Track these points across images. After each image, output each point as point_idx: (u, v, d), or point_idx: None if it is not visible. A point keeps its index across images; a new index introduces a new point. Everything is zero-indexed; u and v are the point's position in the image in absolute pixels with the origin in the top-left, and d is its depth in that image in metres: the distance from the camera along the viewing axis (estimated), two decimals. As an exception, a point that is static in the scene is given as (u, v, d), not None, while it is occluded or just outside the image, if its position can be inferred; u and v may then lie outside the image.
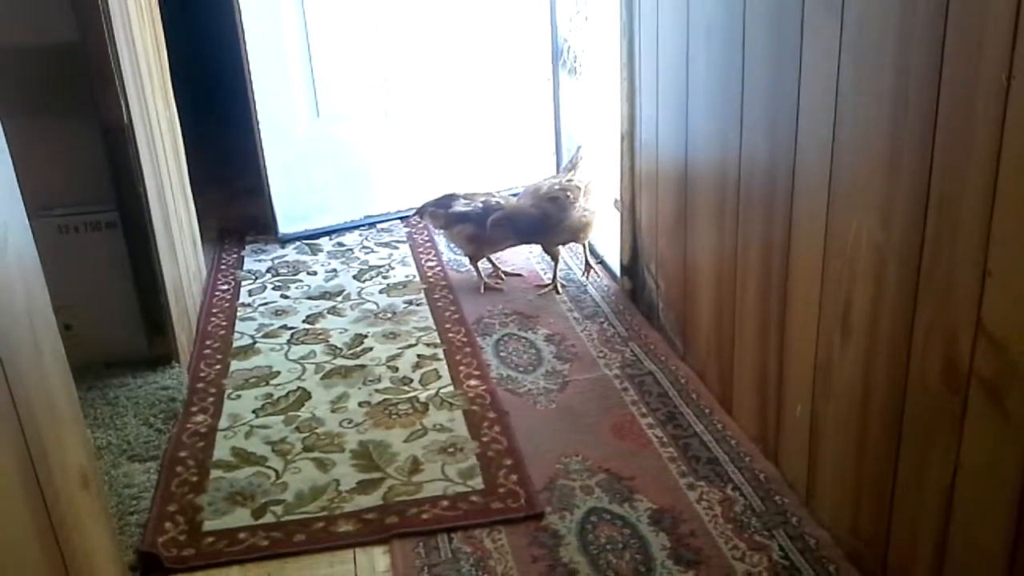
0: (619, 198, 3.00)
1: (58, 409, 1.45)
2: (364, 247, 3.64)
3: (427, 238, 3.68)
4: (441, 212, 3.22)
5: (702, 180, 2.30)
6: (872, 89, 1.52)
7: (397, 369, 2.62)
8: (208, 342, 2.85)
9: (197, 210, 3.32)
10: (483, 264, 3.24)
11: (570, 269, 3.28)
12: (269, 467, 2.16)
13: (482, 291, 3.14)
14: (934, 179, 1.38)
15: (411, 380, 2.55)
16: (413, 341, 2.79)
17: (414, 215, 3.47)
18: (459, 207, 3.17)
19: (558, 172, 3.76)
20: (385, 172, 3.81)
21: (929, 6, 1.34)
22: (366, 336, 2.84)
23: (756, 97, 1.94)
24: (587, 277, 3.20)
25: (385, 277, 3.32)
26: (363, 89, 3.69)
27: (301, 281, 3.33)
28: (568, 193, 3.03)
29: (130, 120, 2.36)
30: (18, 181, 1.40)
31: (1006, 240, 1.25)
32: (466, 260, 3.30)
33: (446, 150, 3.84)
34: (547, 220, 3.05)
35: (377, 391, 2.49)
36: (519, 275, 3.29)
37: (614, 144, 2.97)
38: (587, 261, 3.23)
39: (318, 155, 3.68)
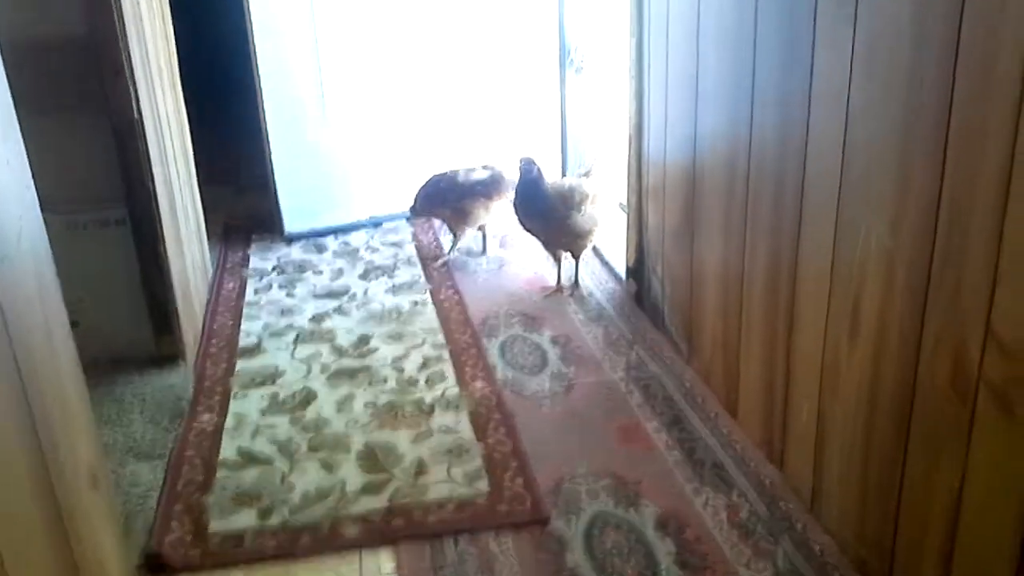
0: (625, 200, 3.00)
1: (70, 406, 1.46)
2: (370, 247, 3.65)
3: (432, 239, 3.69)
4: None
5: (711, 182, 2.30)
6: (884, 95, 1.52)
7: (403, 370, 2.62)
8: (214, 340, 2.85)
9: (203, 207, 3.32)
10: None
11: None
12: (275, 467, 2.16)
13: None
14: (946, 185, 1.38)
15: (417, 381, 2.55)
16: (419, 342, 2.79)
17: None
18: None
19: (564, 173, 3.77)
20: (392, 172, 3.81)
21: (943, 14, 1.34)
22: (372, 336, 2.85)
23: (767, 99, 1.94)
24: (571, 293, 3.11)
25: (391, 277, 3.33)
26: (372, 89, 3.69)
27: (307, 280, 3.33)
28: (576, 194, 3.03)
29: (140, 115, 2.37)
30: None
31: (1018, 246, 1.25)
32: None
33: (452, 150, 3.83)
34: (553, 214, 3.03)
35: (383, 392, 2.50)
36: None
37: (621, 146, 2.96)
38: (576, 277, 3.15)
39: (325, 154, 3.69)
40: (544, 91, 3.89)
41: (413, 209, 3.49)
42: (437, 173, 3.45)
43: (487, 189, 3.39)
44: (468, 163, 3.50)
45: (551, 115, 3.87)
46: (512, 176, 3.42)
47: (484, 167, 3.47)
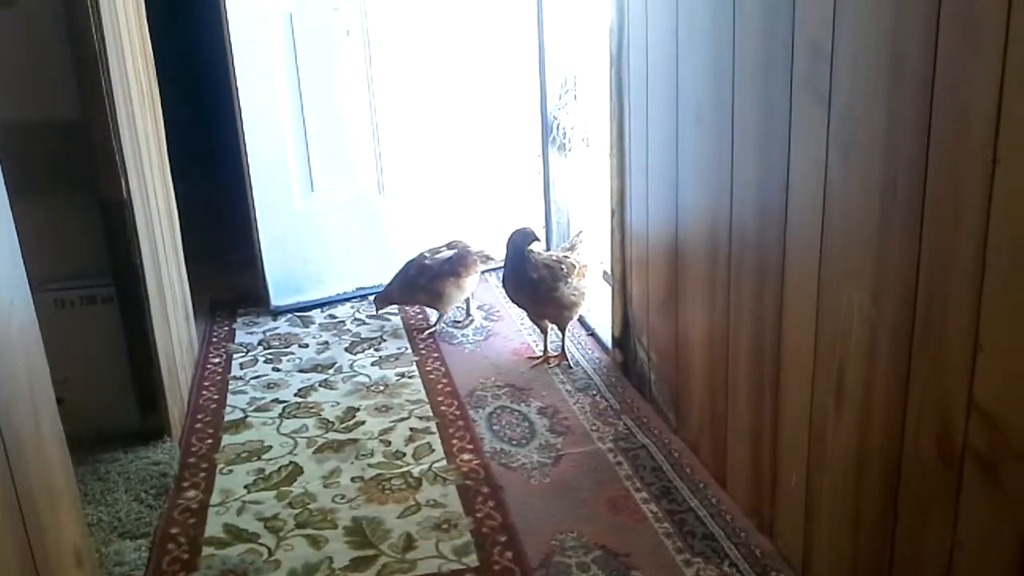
0: (609, 271, 3.03)
1: (55, 486, 1.45)
2: (356, 319, 3.65)
3: (418, 310, 3.70)
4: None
5: (693, 254, 2.33)
6: (860, 171, 1.56)
7: (390, 443, 2.61)
8: (199, 416, 2.84)
9: (189, 283, 3.33)
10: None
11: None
12: (261, 544, 2.13)
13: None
14: (923, 257, 1.42)
15: (404, 454, 2.54)
16: (406, 414, 2.79)
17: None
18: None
19: (549, 247, 3.81)
20: (378, 245, 3.84)
21: (915, 93, 1.39)
22: (358, 409, 2.84)
23: (746, 174, 1.99)
24: (558, 364, 3.11)
25: (377, 349, 3.33)
26: (357, 164, 3.75)
27: (293, 354, 3.33)
28: (563, 267, 3.07)
29: (129, 196, 2.39)
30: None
31: (996, 315, 1.28)
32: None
33: (438, 224, 3.88)
34: (541, 285, 3.06)
35: (370, 466, 2.48)
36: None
37: (604, 219, 3.01)
38: (563, 347, 3.16)
39: (311, 228, 3.71)
40: (528, 167, 3.96)
41: (388, 300, 3.51)
42: (407, 261, 3.49)
43: (454, 267, 3.42)
44: (432, 243, 3.55)
45: (536, 192, 3.93)
46: (478, 248, 3.49)
47: (448, 245, 3.51)
